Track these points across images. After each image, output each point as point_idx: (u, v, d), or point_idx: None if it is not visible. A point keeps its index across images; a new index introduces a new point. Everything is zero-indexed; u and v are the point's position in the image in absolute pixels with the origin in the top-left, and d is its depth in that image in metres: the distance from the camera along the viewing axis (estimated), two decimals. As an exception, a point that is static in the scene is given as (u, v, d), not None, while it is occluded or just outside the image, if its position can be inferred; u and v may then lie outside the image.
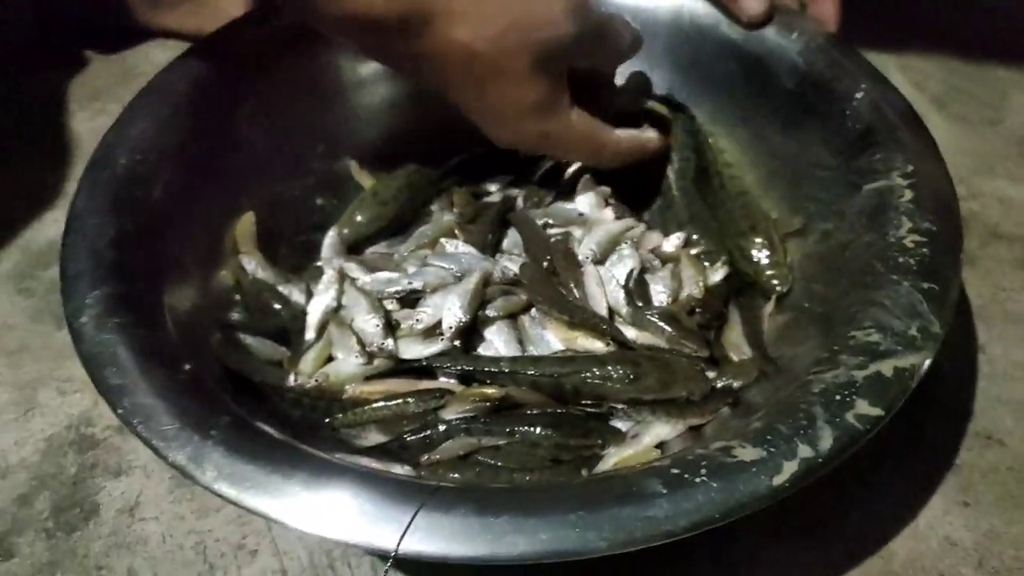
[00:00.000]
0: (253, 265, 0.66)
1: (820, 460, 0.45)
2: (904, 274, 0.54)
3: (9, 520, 0.60)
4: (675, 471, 0.46)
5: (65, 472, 0.63)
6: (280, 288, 0.66)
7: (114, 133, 0.63)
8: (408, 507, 0.44)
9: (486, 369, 0.59)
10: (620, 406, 0.58)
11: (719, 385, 0.59)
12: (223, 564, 0.58)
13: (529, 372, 0.59)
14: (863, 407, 0.47)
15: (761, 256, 0.64)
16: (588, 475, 0.55)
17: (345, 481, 0.46)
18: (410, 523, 0.44)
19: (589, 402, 0.59)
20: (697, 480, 0.45)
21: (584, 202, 0.71)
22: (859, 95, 0.65)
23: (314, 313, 0.64)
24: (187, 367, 0.52)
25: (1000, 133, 0.80)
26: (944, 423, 0.61)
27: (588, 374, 0.58)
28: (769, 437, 0.46)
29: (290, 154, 0.72)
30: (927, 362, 0.49)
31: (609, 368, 0.58)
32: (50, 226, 0.77)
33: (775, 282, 0.63)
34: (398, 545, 0.44)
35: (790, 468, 0.45)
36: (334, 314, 0.64)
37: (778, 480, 0.45)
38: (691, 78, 0.74)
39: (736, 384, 0.58)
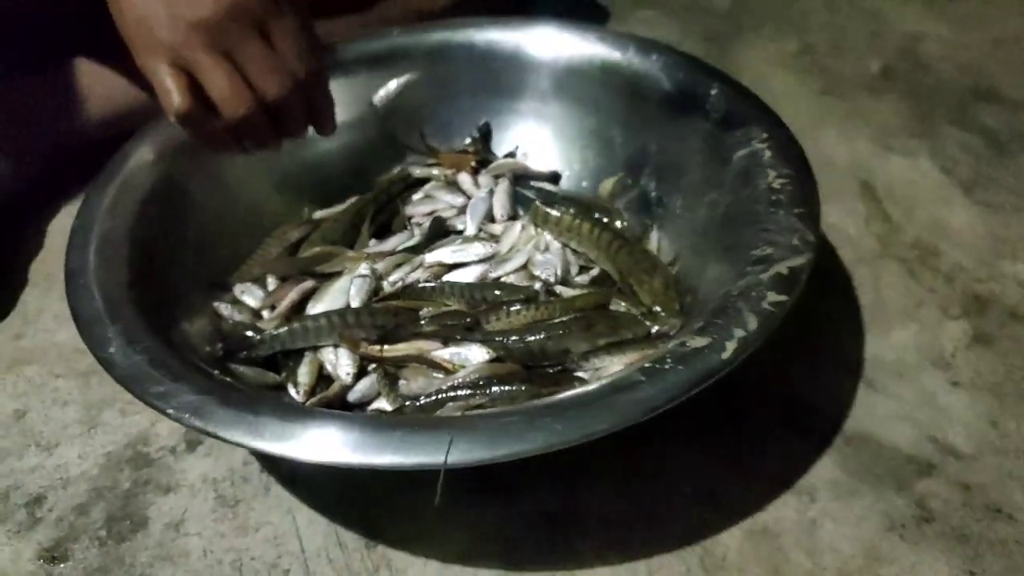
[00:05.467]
0: (229, 310, 0.55)
1: (750, 337, 0.42)
2: (779, 206, 0.49)
3: (67, 527, 0.49)
4: (647, 364, 0.42)
5: (120, 486, 0.51)
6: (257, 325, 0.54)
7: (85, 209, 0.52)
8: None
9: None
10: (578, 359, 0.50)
11: (654, 331, 0.51)
12: (257, 583, 0.46)
13: (499, 339, 0.50)
14: (772, 296, 0.44)
15: (657, 290, 0.53)
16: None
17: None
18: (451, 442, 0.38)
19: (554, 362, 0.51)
20: (667, 366, 0.41)
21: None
22: (714, 91, 0.57)
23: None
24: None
25: (1023, 220, 0.64)
26: (955, 495, 0.47)
27: (552, 332, 0.50)
28: (711, 329, 0.43)
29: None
30: (810, 260, 0.45)
31: (568, 323, 0.50)
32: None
33: (664, 314, 0.51)
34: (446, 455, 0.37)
35: (731, 346, 0.42)
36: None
37: (725, 355, 0.41)
38: (575, 104, 0.64)
39: (669, 330, 0.50)
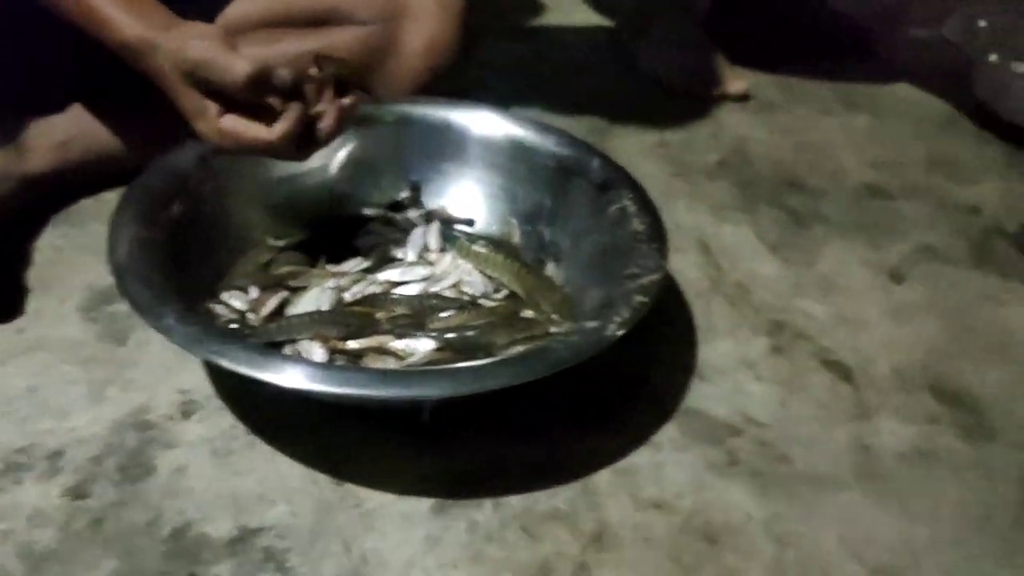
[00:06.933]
0: (222, 310, 0.68)
1: (625, 321, 0.60)
2: (641, 242, 0.68)
3: (85, 473, 0.60)
4: (560, 337, 0.62)
5: (128, 444, 0.63)
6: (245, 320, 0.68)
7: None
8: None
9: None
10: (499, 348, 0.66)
11: (553, 330, 0.67)
12: (250, 509, 0.58)
13: (442, 333, 0.66)
14: (639, 298, 0.63)
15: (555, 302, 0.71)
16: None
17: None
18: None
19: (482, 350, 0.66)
20: (573, 338, 0.60)
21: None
22: (595, 163, 0.78)
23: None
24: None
25: (812, 273, 0.85)
26: (754, 448, 0.66)
27: (482, 328, 0.67)
28: (600, 317, 0.61)
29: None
30: (662, 275, 0.65)
31: (493, 322, 0.68)
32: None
33: (559, 319, 0.68)
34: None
35: (613, 327, 0.60)
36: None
37: (608, 333, 0.59)
38: (488, 167, 0.82)
39: (561, 328, 0.67)
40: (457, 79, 0.99)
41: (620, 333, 0.59)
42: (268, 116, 0.62)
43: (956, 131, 1.14)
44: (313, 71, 0.63)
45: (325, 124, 0.63)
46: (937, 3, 1.33)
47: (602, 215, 0.73)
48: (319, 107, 0.63)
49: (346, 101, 0.64)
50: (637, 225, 0.70)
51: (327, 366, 0.59)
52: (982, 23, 1.24)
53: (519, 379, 0.55)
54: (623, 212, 0.72)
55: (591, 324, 0.60)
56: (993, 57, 1.21)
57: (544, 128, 0.81)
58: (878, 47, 1.35)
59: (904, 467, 0.65)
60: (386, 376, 0.56)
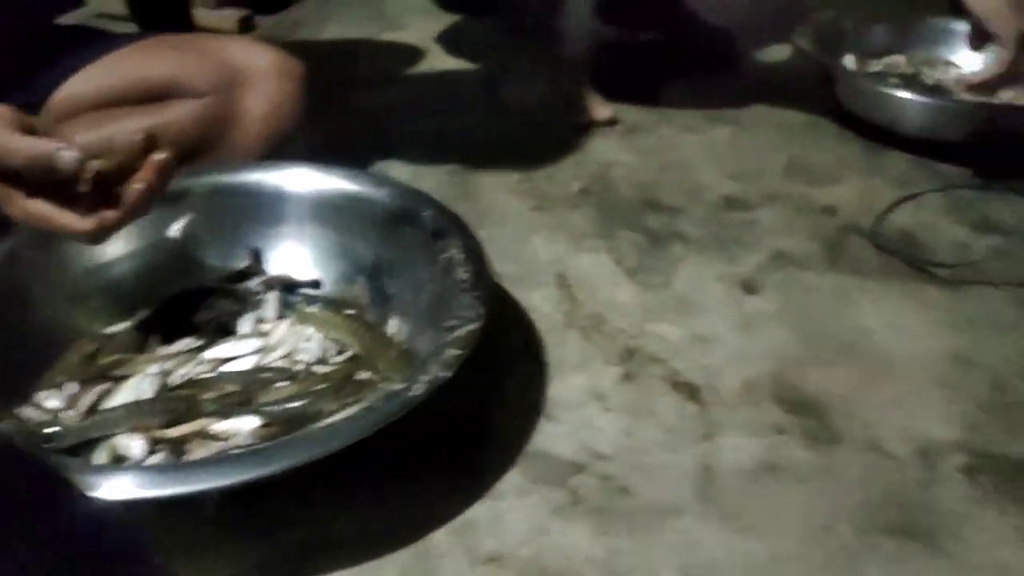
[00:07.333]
0: (32, 412, 0.65)
1: (435, 380, 0.59)
2: (464, 291, 0.67)
3: None
4: (365, 405, 0.61)
5: None
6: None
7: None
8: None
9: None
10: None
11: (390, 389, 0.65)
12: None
13: (267, 408, 0.65)
14: (451, 352, 0.61)
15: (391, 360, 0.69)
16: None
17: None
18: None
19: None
20: (377, 404, 0.59)
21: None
22: (426, 212, 0.76)
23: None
24: None
25: (668, 294, 0.84)
26: (597, 483, 0.64)
27: (308, 398, 0.65)
28: (406, 376, 0.62)
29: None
30: (480, 326, 0.64)
31: (320, 390, 0.66)
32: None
33: (396, 378, 0.66)
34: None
35: (419, 387, 0.58)
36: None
37: (414, 393, 0.58)
38: (326, 226, 0.81)
39: (397, 387, 0.63)
40: (318, 133, 0.99)
41: (426, 394, 0.57)
42: (77, 198, 0.59)
43: (818, 135, 1.16)
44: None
45: (122, 207, 0.60)
46: (791, 13, 1.37)
47: (434, 265, 0.72)
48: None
49: (136, 186, 0.61)
50: (462, 274, 0.69)
51: (95, 471, 0.56)
52: (832, 29, 1.28)
53: (300, 460, 0.53)
54: (451, 261, 0.71)
55: (396, 387, 0.58)
56: (848, 59, 1.26)
57: (376, 180, 0.81)
58: (739, 61, 1.39)
59: (748, 484, 0.64)
60: (148, 473, 0.54)
